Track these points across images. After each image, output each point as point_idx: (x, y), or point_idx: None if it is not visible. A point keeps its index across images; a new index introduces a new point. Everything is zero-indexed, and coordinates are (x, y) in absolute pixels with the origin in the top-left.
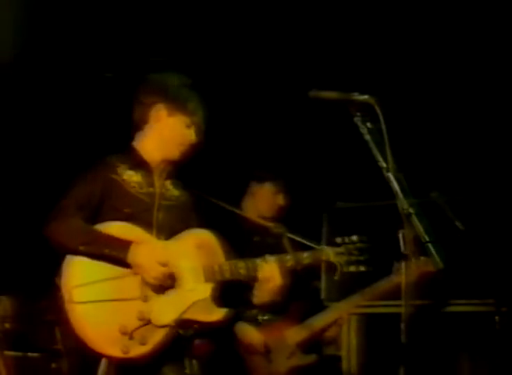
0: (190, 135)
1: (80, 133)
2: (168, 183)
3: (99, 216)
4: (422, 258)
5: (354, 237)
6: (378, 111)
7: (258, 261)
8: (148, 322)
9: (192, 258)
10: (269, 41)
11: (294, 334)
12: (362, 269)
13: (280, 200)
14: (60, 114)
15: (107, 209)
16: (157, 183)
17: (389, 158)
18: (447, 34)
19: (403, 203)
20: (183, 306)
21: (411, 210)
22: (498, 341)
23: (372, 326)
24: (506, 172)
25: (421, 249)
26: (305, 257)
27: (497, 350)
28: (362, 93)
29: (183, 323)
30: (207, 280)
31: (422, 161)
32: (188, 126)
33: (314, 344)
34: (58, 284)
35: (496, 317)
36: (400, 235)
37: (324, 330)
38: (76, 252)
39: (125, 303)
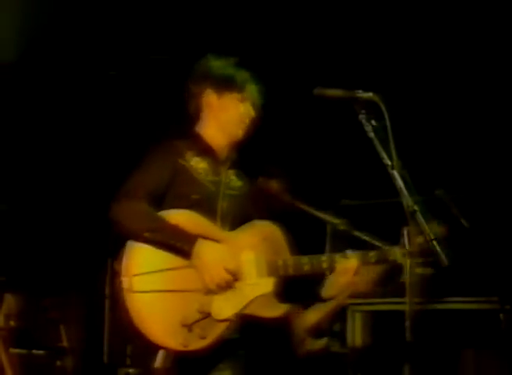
0: (247, 110)
1: (85, 131)
2: (231, 172)
3: (163, 200)
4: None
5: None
6: (383, 108)
7: (324, 257)
8: (208, 315)
9: (256, 251)
10: (273, 39)
11: (302, 321)
12: (428, 271)
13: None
14: (65, 112)
15: (172, 195)
16: (222, 171)
17: (394, 155)
18: (453, 32)
19: (407, 200)
20: (244, 301)
21: (416, 208)
22: (503, 339)
23: (377, 324)
24: (511, 169)
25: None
26: (371, 256)
27: (502, 348)
28: (367, 90)
29: (243, 318)
30: (270, 274)
31: (427, 158)
32: (241, 101)
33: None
34: (118, 270)
35: (501, 315)
36: (405, 232)
37: (330, 314)
38: (140, 238)
39: (185, 294)
